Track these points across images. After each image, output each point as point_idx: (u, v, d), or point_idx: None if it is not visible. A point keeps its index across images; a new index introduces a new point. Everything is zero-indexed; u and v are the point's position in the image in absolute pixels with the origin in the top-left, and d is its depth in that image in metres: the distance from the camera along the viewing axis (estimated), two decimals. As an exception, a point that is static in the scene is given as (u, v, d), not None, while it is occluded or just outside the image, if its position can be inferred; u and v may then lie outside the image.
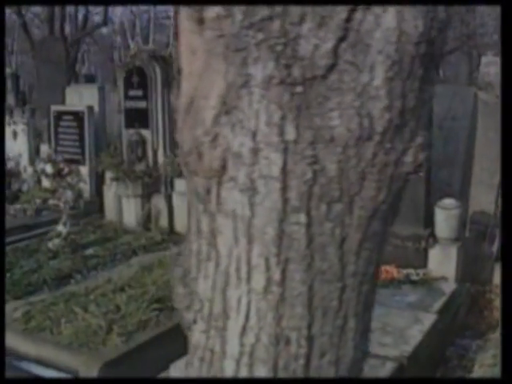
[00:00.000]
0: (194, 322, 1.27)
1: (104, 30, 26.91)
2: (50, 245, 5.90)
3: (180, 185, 6.66)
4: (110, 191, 7.17)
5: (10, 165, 8.75)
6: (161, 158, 6.75)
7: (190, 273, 1.37)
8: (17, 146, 8.84)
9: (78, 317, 4.31)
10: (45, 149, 7.83)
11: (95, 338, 4.05)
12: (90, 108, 7.48)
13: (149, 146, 6.73)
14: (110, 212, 7.17)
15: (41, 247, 6.03)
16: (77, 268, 5.46)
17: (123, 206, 6.85)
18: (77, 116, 7.51)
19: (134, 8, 28.19)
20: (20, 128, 8.73)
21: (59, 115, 7.70)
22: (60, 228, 5.95)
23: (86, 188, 7.58)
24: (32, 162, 8.72)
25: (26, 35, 17.00)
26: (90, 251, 6.00)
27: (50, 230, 6.74)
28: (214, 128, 1.02)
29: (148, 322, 4.25)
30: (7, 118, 8.95)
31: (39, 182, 8.12)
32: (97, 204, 7.60)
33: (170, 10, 37.90)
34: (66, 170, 7.32)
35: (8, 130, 8.91)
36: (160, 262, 5.52)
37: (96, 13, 20.65)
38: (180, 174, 6.64)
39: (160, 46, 16.95)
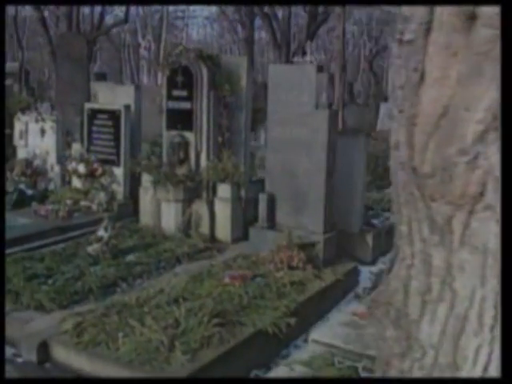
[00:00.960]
0: (410, 371, 1.09)
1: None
2: (90, 250, 5.60)
3: (223, 190, 6.37)
4: (146, 194, 6.87)
5: (36, 163, 8.45)
6: (203, 162, 6.46)
7: (407, 314, 1.12)
8: (44, 144, 8.55)
9: (134, 331, 4.01)
10: (77, 148, 7.53)
11: (158, 356, 3.76)
12: (127, 107, 7.20)
13: (192, 149, 6.44)
14: (145, 216, 6.87)
15: (78, 251, 5.73)
16: (121, 276, 5.17)
17: (162, 210, 6.55)
18: (113, 115, 7.22)
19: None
20: (48, 125, 8.44)
21: (93, 113, 7.41)
22: (101, 233, 5.65)
23: (119, 190, 7.30)
24: (60, 160, 8.43)
25: (44, 31, 16.72)
26: (130, 257, 5.71)
27: (85, 233, 6.48)
28: (475, 146, 0.88)
29: (211, 338, 3.96)
30: (34, 114, 8.65)
31: (69, 181, 7.84)
32: (130, 207, 7.31)
33: (180, 9, 37.63)
34: (100, 170, 7.05)
35: (35, 127, 8.62)
36: (209, 273, 5.24)
37: (111, 11, 20.44)
38: (223, 179, 6.36)
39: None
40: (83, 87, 13.66)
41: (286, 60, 16.92)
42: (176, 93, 6.46)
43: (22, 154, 8.82)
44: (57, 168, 8.42)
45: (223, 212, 6.38)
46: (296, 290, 4.87)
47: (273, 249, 5.35)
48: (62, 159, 8.44)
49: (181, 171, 6.46)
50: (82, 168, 7.29)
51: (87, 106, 7.49)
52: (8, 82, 9.73)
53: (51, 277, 5.02)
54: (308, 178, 5.68)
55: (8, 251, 5.69)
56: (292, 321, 4.35)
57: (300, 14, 20.91)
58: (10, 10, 17.65)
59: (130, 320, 4.13)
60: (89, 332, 4.06)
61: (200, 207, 6.44)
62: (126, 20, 18.37)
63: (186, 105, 6.40)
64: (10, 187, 7.74)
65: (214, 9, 30.65)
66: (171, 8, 34.70)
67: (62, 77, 13.59)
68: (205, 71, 6.33)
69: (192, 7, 37.58)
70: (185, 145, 6.45)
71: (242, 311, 4.37)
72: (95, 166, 7.25)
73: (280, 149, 5.82)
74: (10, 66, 10.22)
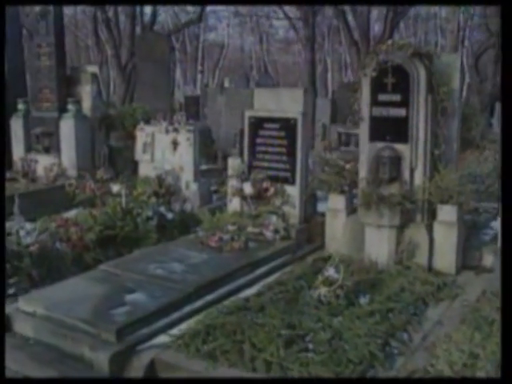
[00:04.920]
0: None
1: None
2: (319, 294, 4.52)
3: (445, 213, 5.30)
4: (336, 218, 5.82)
5: (168, 180, 7.39)
6: (418, 180, 5.39)
7: None
8: (176, 159, 7.49)
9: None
10: (236, 163, 6.46)
11: None
12: (304, 115, 6.13)
13: (405, 165, 5.36)
14: (334, 244, 5.83)
15: (298, 296, 4.66)
16: (387, 331, 4.08)
17: (368, 237, 5.50)
18: (286, 124, 6.15)
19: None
20: (183, 137, 7.38)
21: (258, 122, 6.34)
22: (331, 273, 4.57)
23: (293, 213, 6.24)
24: (196, 176, 7.39)
25: (108, 31, 15.70)
26: (363, 300, 4.64)
27: (274, 270, 5.45)
28: None
29: None
30: (163, 124, 7.60)
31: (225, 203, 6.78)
32: (305, 233, 6.25)
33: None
34: (272, 190, 5.99)
35: (164, 139, 7.56)
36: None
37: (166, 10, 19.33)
38: (447, 200, 5.29)
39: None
40: (166, 91, 12.68)
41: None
42: (384, 97, 5.39)
43: (145, 170, 7.77)
44: (194, 186, 7.36)
45: (446, 238, 5.31)
46: None
47: None
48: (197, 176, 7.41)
49: (389, 191, 5.38)
50: (248, 188, 6.22)
51: (249, 113, 6.42)
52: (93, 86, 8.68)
53: (303, 338, 3.94)
54: None
55: (209, 298, 4.71)
56: None
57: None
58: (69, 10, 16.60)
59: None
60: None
61: (416, 233, 5.37)
62: (200, 19, 17.31)
63: (398, 112, 5.33)
64: (147, 211, 6.67)
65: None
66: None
67: (143, 81, 12.59)
68: (422, 71, 5.26)
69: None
70: (396, 159, 5.38)
71: None
72: (265, 184, 6.18)
73: None
74: (92, 67, 9.17)
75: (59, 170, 8.12)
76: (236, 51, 41.88)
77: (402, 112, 5.34)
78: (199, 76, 33.55)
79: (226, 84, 23.40)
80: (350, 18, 16.53)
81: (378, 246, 5.43)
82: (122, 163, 8.39)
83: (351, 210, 5.90)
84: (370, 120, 5.52)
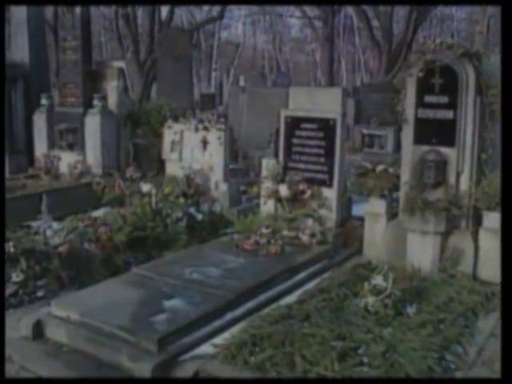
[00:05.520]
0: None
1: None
2: (367, 304, 4.33)
3: (491, 219, 5.09)
4: (377, 223, 5.62)
5: (197, 180, 7.20)
6: (464, 185, 5.19)
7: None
8: (205, 158, 7.31)
9: None
10: (270, 164, 6.26)
11: None
12: (344, 115, 5.93)
13: (451, 169, 5.16)
14: (373, 250, 5.64)
15: (343, 305, 4.47)
16: (442, 344, 3.88)
17: (410, 243, 5.30)
18: (324, 124, 5.96)
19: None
20: (214, 136, 7.19)
21: (295, 122, 6.14)
22: (378, 281, 4.37)
23: (329, 216, 6.04)
24: (226, 177, 7.20)
25: (128, 27, 15.51)
26: (410, 310, 4.44)
27: (312, 276, 5.27)
28: None
29: None
30: (193, 122, 7.40)
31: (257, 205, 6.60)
32: (342, 238, 6.06)
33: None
34: (309, 192, 5.80)
35: (194, 138, 7.38)
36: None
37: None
38: (494, 207, 5.09)
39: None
40: (188, 89, 12.49)
41: (389, 57, 15.63)
42: (431, 99, 5.18)
43: (173, 169, 7.59)
44: (224, 187, 7.18)
45: (491, 246, 5.10)
46: None
47: None
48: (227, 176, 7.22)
49: (434, 196, 5.18)
50: (284, 190, 6.03)
51: (285, 113, 6.22)
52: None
53: (355, 350, 3.75)
54: None
55: (249, 305, 4.54)
56: None
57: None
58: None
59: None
60: None
61: (461, 240, 5.17)
62: (221, 16, 17.10)
63: (445, 114, 5.13)
64: (177, 212, 6.48)
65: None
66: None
67: (164, 78, 12.39)
68: (471, 72, 5.06)
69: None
70: (441, 163, 5.17)
71: None
72: (301, 187, 5.99)
73: None
74: (118, 62, 8.98)
75: (83, 167, 7.93)
76: (248, 50, 41.69)
77: (449, 114, 5.13)
78: (213, 74, 33.36)
79: (242, 83, 23.22)
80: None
81: (422, 252, 5.23)
82: (147, 162, 8.20)
83: (391, 214, 5.71)
84: (414, 122, 5.31)
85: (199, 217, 6.62)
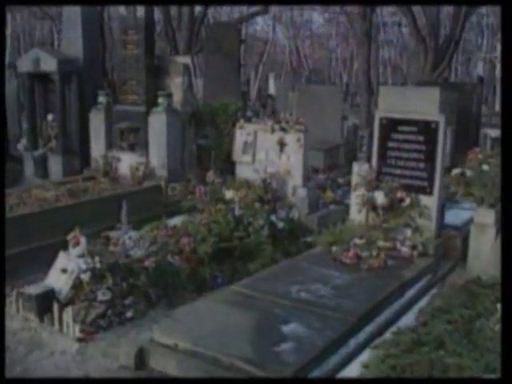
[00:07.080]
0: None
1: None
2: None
3: None
4: (484, 235, 5.16)
5: (273, 185, 6.75)
6: None
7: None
8: (282, 161, 6.86)
9: None
10: (364, 169, 5.80)
11: None
12: (447, 118, 5.46)
13: None
14: (479, 263, 5.17)
15: (472, 328, 4.01)
16: None
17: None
18: (425, 127, 5.49)
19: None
20: (292, 138, 6.76)
21: (392, 124, 5.68)
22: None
23: (428, 226, 5.57)
24: (305, 181, 6.75)
25: (168, 23, 15.08)
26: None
27: (423, 293, 4.82)
28: None
29: None
30: (268, 122, 6.95)
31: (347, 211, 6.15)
32: (441, 248, 5.61)
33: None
34: (408, 200, 5.34)
35: (270, 139, 6.93)
36: None
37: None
38: None
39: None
40: (237, 86, 12.01)
41: (435, 54, 15.06)
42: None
43: (245, 172, 7.13)
44: (303, 192, 6.73)
45: None
46: None
47: None
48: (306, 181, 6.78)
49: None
50: (381, 197, 5.57)
51: (381, 114, 5.74)
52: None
53: None
54: None
55: (368, 329, 4.11)
56: None
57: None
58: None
59: None
60: None
61: None
62: (266, 10, 16.65)
63: None
64: (259, 219, 6.03)
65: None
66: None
67: (211, 75, 11.93)
68: None
69: None
70: None
71: None
72: (400, 194, 5.52)
73: None
74: (183, 58, 8.54)
75: (147, 169, 7.47)
76: (271, 46, 41.15)
77: None
78: (242, 70, 32.77)
79: (271, 80, 22.72)
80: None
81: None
82: (211, 163, 7.74)
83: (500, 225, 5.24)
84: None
85: (280, 225, 6.17)
